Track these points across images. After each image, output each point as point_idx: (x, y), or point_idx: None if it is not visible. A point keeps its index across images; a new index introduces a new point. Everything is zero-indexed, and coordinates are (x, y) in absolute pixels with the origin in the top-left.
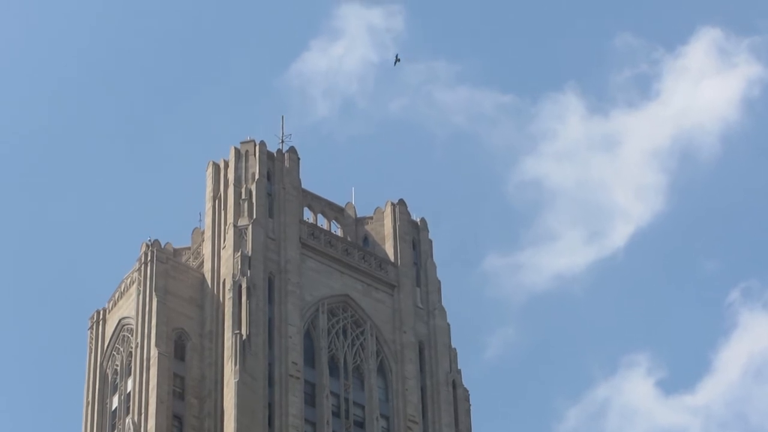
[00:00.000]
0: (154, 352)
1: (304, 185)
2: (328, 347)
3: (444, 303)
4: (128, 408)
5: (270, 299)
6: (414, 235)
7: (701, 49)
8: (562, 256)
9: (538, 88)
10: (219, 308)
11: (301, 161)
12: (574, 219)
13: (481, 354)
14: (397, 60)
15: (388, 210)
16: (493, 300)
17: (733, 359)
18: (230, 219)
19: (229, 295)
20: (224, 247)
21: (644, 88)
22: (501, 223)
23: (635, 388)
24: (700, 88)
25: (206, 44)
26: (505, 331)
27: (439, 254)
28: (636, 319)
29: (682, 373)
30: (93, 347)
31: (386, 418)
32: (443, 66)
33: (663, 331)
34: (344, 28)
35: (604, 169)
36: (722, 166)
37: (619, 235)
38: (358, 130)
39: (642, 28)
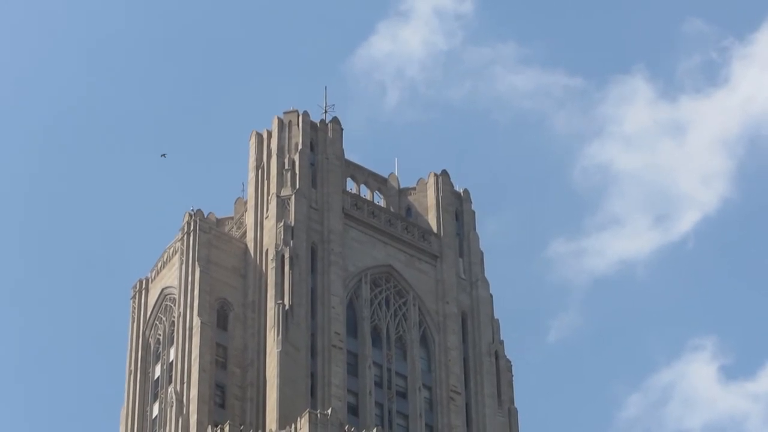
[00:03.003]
0: (196, 322)
1: (347, 156)
2: (371, 317)
3: (507, 287)
4: (171, 377)
5: (313, 269)
6: (457, 206)
7: None
8: (626, 240)
9: (606, 71)
10: (262, 278)
11: (344, 132)
12: (639, 204)
13: (544, 337)
14: (163, 156)
15: (431, 181)
16: (556, 284)
17: None
18: (273, 189)
19: (272, 265)
20: (267, 217)
21: (713, 75)
22: (566, 208)
23: (699, 373)
24: None
25: (266, 19)
26: (568, 315)
27: (504, 237)
28: (699, 304)
29: (745, 359)
30: (136, 316)
31: (429, 388)
32: (512, 49)
33: (726, 317)
34: (412, 11)
35: (671, 155)
36: None
37: (685, 221)
38: (422, 113)
39: (712, 15)
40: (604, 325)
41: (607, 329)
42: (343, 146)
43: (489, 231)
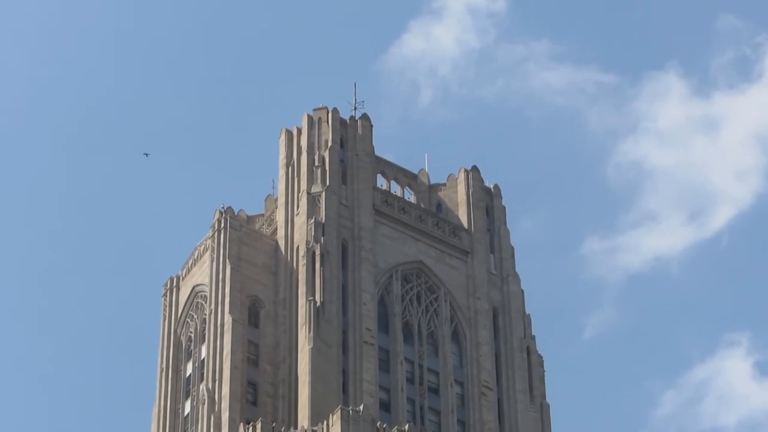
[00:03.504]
0: (228, 319)
1: (377, 152)
2: (402, 313)
3: (542, 284)
4: (202, 375)
5: (344, 266)
6: (487, 202)
7: None
8: (661, 237)
9: (640, 67)
10: (293, 275)
11: (376, 131)
12: (673, 201)
13: (580, 334)
14: (146, 155)
15: (461, 176)
16: (590, 281)
17: None
18: (303, 186)
19: (302, 262)
20: (298, 214)
21: (746, 71)
22: (600, 205)
23: (734, 369)
24: None
25: (298, 16)
26: (603, 312)
27: (538, 234)
28: (734, 300)
29: None
30: (167, 314)
31: (460, 384)
32: (545, 46)
33: (761, 313)
34: (445, 9)
35: (704, 151)
36: None
37: (719, 217)
38: (454, 111)
39: (746, 11)
40: (638, 321)
41: (641, 326)
42: (375, 145)
43: (523, 228)
